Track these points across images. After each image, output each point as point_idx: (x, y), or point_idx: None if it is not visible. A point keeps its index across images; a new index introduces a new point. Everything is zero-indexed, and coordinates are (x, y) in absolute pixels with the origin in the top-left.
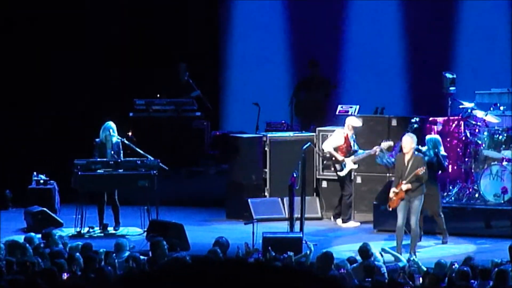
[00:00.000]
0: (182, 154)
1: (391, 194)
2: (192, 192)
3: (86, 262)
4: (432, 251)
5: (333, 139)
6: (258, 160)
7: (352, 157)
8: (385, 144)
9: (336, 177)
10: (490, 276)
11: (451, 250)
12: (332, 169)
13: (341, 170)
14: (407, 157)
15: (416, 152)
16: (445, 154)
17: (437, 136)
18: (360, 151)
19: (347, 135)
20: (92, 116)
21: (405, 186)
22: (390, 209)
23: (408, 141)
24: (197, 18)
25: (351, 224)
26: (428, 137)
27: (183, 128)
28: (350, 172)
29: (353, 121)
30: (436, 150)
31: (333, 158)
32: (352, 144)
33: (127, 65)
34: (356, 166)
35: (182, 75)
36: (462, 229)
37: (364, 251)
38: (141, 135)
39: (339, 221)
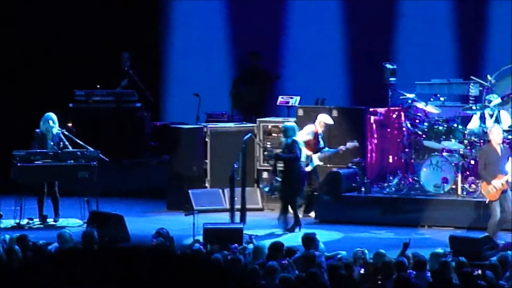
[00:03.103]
0: (123, 145)
1: (497, 185)
2: (133, 184)
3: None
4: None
5: (304, 133)
6: (199, 151)
7: (319, 153)
8: (350, 145)
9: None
10: (426, 266)
11: (391, 241)
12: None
13: (307, 165)
14: (499, 148)
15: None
16: (301, 141)
17: (294, 124)
18: (326, 148)
19: (317, 131)
20: (32, 107)
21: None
22: (488, 201)
23: (500, 131)
24: (139, 9)
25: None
26: (286, 124)
27: (124, 119)
28: (315, 167)
29: (325, 118)
30: (293, 138)
31: None
32: (320, 141)
33: (67, 55)
34: (321, 163)
35: (123, 65)
36: (403, 219)
37: (309, 239)
38: (81, 126)
39: (312, 214)
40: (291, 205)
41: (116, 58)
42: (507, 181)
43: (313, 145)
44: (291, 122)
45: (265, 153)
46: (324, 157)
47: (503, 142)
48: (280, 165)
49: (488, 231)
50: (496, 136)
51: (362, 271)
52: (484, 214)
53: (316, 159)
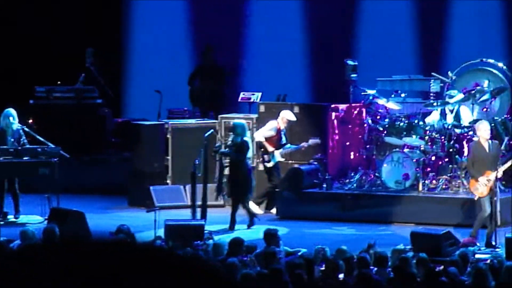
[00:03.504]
0: (84, 142)
1: (483, 183)
2: (94, 180)
3: None
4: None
5: (266, 129)
6: (160, 148)
7: (281, 150)
8: (312, 141)
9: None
10: (387, 263)
11: (353, 237)
12: (260, 159)
13: (269, 161)
14: (486, 144)
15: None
16: (249, 140)
17: (244, 122)
18: (288, 145)
19: (279, 127)
20: None
21: (500, 173)
22: (476, 198)
23: (488, 127)
24: (101, 5)
25: (257, 209)
26: (236, 122)
27: (85, 115)
28: (277, 163)
29: (288, 115)
30: (243, 136)
31: (262, 149)
32: (282, 137)
33: (27, 51)
34: (283, 159)
35: (86, 61)
36: (364, 215)
37: (271, 235)
38: (42, 122)
39: (273, 210)
40: (241, 203)
41: (77, 55)
42: (496, 178)
43: (275, 141)
44: (241, 120)
45: (214, 149)
46: (286, 154)
47: (465, 137)
48: (227, 162)
49: (474, 225)
50: (483, 132)
51: (323, 267)
52: (467, 211)
53: (278, 156)
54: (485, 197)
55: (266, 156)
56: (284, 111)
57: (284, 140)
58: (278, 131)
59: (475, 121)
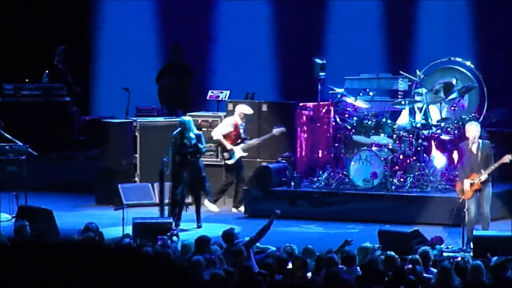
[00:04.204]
0: (52, 140)
1: (467, 185)
2: (62, 178)
3: None
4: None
5: (223, 126)
6: (128, 146)
7: (242, 144)
8: (277, 130)
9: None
10: (355, 261)
11: (321, 235)
12: (220, 157)
13: (230, 158)
14: (475, 146)
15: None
16: (200, 133)
17: (189, 118)
18: (249, 138)
19: (236, 123)
20: None
21: (484, 176)
22: (461, 200)
23: (476, 129)
24: (69, 3)
25: (212, 207)
26: (184, 118)
27: (53, 113)
28: (239, 160)
29: (244, 109)
30: (192, 130)
31: (221, 147)
32: (241, 132)
33: None
34: (245, 154)
35: (55, 58)
36: (332, 214)
37: (228, 235)
38: (10, 120)
39: (241, 208)
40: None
41: (45, 52)
42: (484, 180)
43: (234, 136)
44: (187, 117)
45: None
46: (249, 147)
47: (433, 136)
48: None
49: (466, 230)
50: (470, 134)
51: (290, 265)
52: (435, 209)
53: (239, 151)
54: (470, 199)
55: (226, 154)
56: (240, 105)
57: (244, 134)
58: (236, 126)
59: (443, 120)
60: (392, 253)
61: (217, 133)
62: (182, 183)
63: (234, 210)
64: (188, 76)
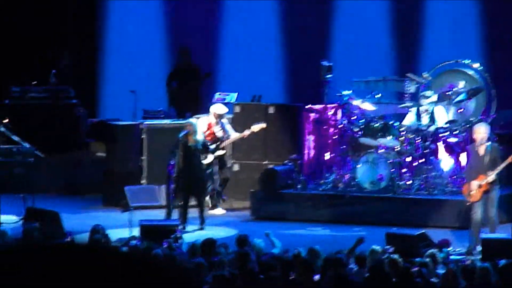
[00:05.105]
0: (59, 142)
1: (474, 187)
2: (69, 180)
3: None
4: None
5: (201, 129)
6: (135, 148)
7: (223, 143)
8: (256, 127)
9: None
10: (366, 263)
11: (327, 238)
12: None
13: (205, 158)
14: (482, 148)
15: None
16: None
17: (196, 120)
18: (228, 134)
19: (210, 122)
20: None
21: (492, 177)
22: (469, 203)
23: (484, 131)
24: (75, 5)
25: (217, 210)
26: (193, 121)
27: (60, 115)
28: (221, 159)
29: (218, 109)
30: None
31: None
32: (219, 131)
33: (4, 52)
34: (223, 152)
35: (61, 61)
36: (339, 216)
37: (242, 241)
38: (17, 122)
39: (218, 211)
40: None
41: (52, 55)
42: (491, 182)
43: (211, 136)
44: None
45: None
46: (229, 142)
47: (440, 138)
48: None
49: (473, 233)
50: (478, 135)
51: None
52: (442, 212)
53: (210, 157)
54: (477, 202)
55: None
56: (213, 105)
57: (220, 134)
58: (209, 126)
59: (450, 122)
60: (396, 256)
61: (202, 137)
62: (185, 185)
63: (210, 212)
64: (198, 79)
